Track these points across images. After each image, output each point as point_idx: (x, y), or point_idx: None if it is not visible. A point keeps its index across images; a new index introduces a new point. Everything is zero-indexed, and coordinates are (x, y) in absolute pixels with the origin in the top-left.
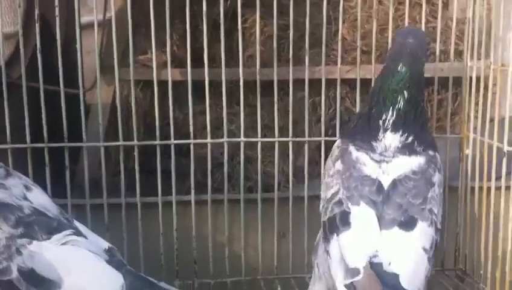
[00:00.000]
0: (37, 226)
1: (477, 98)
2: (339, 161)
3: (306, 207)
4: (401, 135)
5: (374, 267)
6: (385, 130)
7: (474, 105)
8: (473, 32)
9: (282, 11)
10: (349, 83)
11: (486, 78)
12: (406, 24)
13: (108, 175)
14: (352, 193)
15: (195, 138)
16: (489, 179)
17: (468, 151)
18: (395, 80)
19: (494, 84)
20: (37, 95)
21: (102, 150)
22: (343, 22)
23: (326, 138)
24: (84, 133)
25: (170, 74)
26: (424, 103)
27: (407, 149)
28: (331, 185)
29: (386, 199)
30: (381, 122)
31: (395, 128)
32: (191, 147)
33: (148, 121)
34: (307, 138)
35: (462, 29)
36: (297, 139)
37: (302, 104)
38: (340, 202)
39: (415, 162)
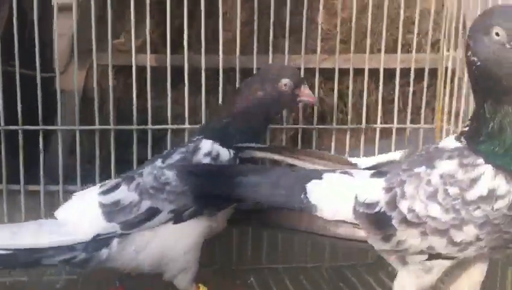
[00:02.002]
0: None
1: (452, 88)
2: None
3: None
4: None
5: None
6: None
7: (449, 96)
8: (450, 22)
9: None
10: (323, 73)
11: (462, 69)
12: (385, 13)
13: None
14: None
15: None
16: None
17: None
18: None
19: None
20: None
21: (77, 134)
22: (321, 10)
23: (303, 126)
24: (59, 117)
25: (149, 60)
26: None
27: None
28: None
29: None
30: None
31: None
32: (168, 133)
33: (121, 107)
34: (285, 126)
35: (437, 20)
36: (274, 126)
37: None
38: None
39: (450, 141)
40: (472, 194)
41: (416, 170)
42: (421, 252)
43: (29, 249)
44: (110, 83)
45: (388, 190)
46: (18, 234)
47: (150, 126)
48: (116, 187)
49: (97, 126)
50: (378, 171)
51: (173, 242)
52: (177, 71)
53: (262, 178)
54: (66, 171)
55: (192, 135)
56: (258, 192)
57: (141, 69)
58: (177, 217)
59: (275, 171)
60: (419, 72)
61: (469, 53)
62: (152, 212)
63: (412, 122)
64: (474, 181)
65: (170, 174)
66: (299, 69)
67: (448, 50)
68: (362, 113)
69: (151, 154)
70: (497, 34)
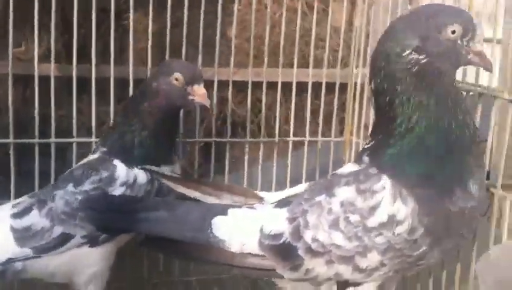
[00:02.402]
0: None
1: (361, 103)
2: None
3: None
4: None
5: None
6: None
7: (358, 110)
8: (359, 40)
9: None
10: (235, 86)
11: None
12: (297, 30)
13: None
14: None
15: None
16: None
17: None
18: None
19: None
20: None
21: None
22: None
23: (216, 139)
24: None
25: (53, 69)
26: None
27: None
28: None
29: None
30: None
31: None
32: (74, 145)
33: (19, 119)
34: (197, 139)
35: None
36: (188, 140)
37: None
38: None
39: (350, 167)
40: (372, 221)
41: (317, 198)
42: (329, 279)
43: None
44: (10, 93)
45: (291, 220)
46: None
47: (53, 139)
48: (28, 210)
49: None
50: (280, 201)
51: (86, 263)
52: (81, 82)
53: (169, 214)
54: None
55: (94, 150)
56: (166, 228)
57: (43, 79)
58: (93, 241)
59: (181, 206)
60: (331, 87)
61: (406, 53)
62: (64, 238)
63: (323, 135)
64: (373, 208)
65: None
66: (212, 81)
67: (357, 66)
68: (275, 127)
69: (55, 167)
70: (453, 32)
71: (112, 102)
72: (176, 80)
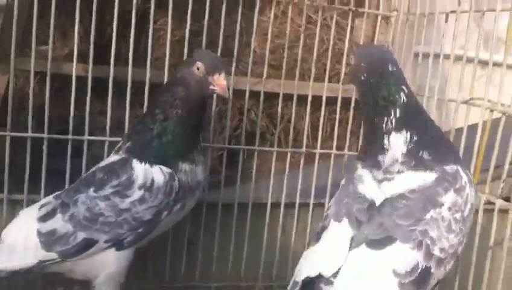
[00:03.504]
0: None
1: None
2: (345, 177)
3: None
4: (407, 137)
5: (310, 284)
6: (389, 134)
7: None
8: None
9: (194, 17)
10: (255, 96)
11: None
12: (316, 43)
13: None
14: (340, 209)
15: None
16: None
17: None
18: (391, 78)
19: None
20: None
21: None
22: (255, 35)
23: (229, 146)
24: None
25: (75, 68)
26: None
27: (414, 159)
28: (332, 200)
29: (370, 218)
30: (383, 125)
31: (398, 127)
32: (85, 144)
33: (41, 116)
34: (210, 144)
35: None
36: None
37: (208, 112)
38: (326, 217)
39: (420, 178)
40: (466, 211)
41: (427, 215)
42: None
43: None
44: (31, 89)
45: (418, 247)
46: None
47: (86, 137)
48: (52, 214)
49: (8, 133)
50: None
51: (106, 264)
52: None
53: None
54: None
55: (119, 147)
56: None
57: (68, 78)
58: (119, 245)
59: None
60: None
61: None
62: (88, 243)
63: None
64: (466, 201)
65: (103, 205)
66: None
67: None
68: (289, 137)
69: (83, 164)
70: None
71: (128, 104)
72: (198, 69)
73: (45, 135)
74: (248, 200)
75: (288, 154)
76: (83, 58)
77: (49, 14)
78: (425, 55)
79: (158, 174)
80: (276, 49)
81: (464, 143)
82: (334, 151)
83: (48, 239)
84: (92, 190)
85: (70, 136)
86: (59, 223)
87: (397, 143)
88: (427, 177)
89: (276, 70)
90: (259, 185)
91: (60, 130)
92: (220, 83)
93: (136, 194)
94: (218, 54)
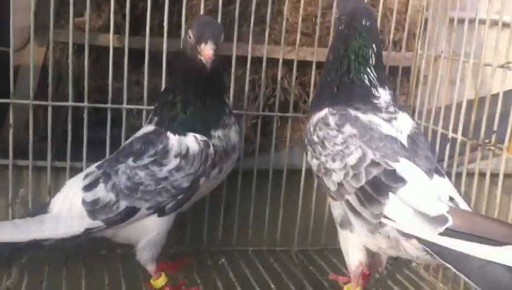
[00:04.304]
0: None
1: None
2: (348, 126)
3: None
4: (387, 90)
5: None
6: (376, 87)
7: (420, 94)
8: (425, 22)
9: None
10: (287, 64)
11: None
12: None
13: (37, 139)
14: (386, 152)
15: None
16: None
17: None
18: (363, 36)
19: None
20: None
21: (31, 109)
22: (287, 3)
23: (263, 113)
24: (11, 90)
25: (112, 40)
26: None
27: (397, 104)
28: (349, 152)
29: (413, 153)
30: (367, 81)
31: (381, 83)
32: (123, 112)
33: (78, 89)
34: (244, 112)
35: (399, 19)
36: (236, 111)
37: (242, 81)
38: (375, 163)
39: (409, 117)
40: None
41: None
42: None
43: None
44: (70, 61)
45: None
46: (25, 229)
47: (125, 105)
48: (95, 184)
49: (50, 102)
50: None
51: (148, 230)
52: (140, 54)
53: None
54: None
55: (150, 118)
56: None
57: (103, 49)
58: (161, 211)
59: None
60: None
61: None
62: (130, 211)
63: None
64: None
65: (142, 174)
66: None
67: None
68: None
69: (110, 135)
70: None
71: (164, 73)
72: (190, 37)
73: (85, 104)
74: (283, 167)
75: None
76: (117, 29)
77: None
78: (460, 21)
79: (192, 142)
80: (308, 16)
81: (500, 109)
82: None
83: (93, 208)
84: (131, 159)
85: (109, 105)
86: (102, 192)
87: (383, 93)
88: (408, 116)
89: (309, 38)
90: (293, 152)
91: (98, 100)
92: (204, 52)
93: (173, 162)
94: (251, 22)
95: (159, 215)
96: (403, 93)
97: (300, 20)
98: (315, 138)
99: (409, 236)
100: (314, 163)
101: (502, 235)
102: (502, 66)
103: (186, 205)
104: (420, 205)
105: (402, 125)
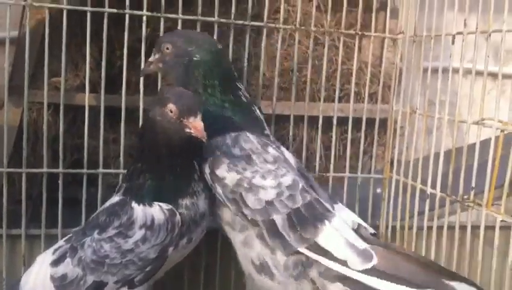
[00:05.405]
0: None
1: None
2: (272, 149)
3: None
4: None
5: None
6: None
7: (398, 146)
8: (400, 73)
9: None
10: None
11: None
12: (324, 64)
13: (11, 203)
14: (306, 180)
15: (107, 166)
16: (410, 218)
17: (380, 190)
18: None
19: (402, 127)
20: None
21: (4, 177)
22: (264, 58)
23: None
24: None
25: (87, 99)
26: None
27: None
28: (281, 173)
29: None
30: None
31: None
32: (99, 177)
33: (55, 147)
34: None
35: (374, 72)
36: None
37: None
38: (305, 190)
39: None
40: None
41: None
42: None
43: None
44: (45, 122)
45: None
46: None
47: (101, 170)
48: (63, 258)
49: (24, 169)
50: None
51: None
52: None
53: None
54: None
55: (119, 186)
56: None
57: (80, 108)
58: (130, 284)
59: None
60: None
61: None
62: (98, 285)
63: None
64: None
65: (108, 247)
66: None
67: (397, 103)
68: (302, 161)
69: (86, 197)
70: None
71: None
72: (171, 111)
73: (61, 170)
74: None
75: None
76: (94, 88)
77: (59, 47)
78: (434, 70)
79: (158, 212)
80: (285, 71)
81: (477, 160)
82: (347, 174)
83: (61, 283)
84: (96, 232)
85: (85, 170)
86: (69, 267)
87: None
88: None
89: (286, 92)
90: None
91: (75, 159)
92: (196, 126)
93: (138, 234)
94: None
95: (129, 288)
96: (381, 144)
97: (276, 75)
98: (237, 152)
99: (334, 276)
100: (231, 177)
101: (422, 280)
102: (476, 123)
103: (159, 273)
104: (350, 237)
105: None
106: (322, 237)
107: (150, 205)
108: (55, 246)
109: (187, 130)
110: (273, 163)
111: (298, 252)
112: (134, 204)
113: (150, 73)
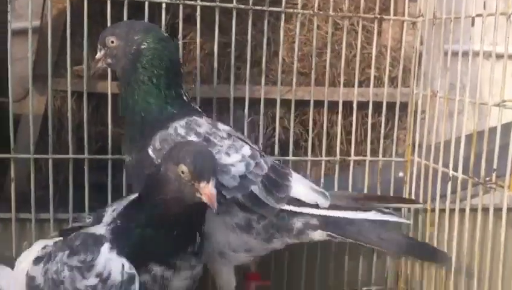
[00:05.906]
0: None
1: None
2: (220, 124)
3: None
4: None
5: None
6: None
7: (419, 130)
8: (420, 57)
9: (221, 29)
10: (286, 104)
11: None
12: (343, 49)
13: (39, 189)
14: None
15: None
16: (433, 201)
17: (402, 174)
18: None
19: (423, 110)
20: None
21: (32, 163)
22: (283, 44)
23: (280, 157)
24: (12, 145)
25: (110, 86)
26: None
27: None
28: (239, 145)
29: None
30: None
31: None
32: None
33: (80, 134)
34: None
35: (394, 56)
36: None
37: (241, 122)
38: (260, 154)
39: None
40: None
41: None
42: None
43: None
44: (69, 110)
45: None
46: None
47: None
48: (40, 260)
49: (50, 155)
50: None
51: None
52: None
53: None
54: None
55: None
56: None
57: (103, 96)
58: None
59: None
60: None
61: None
62: None
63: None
64: None
65: (67, 275)
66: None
67: (417, 86)
68: (322, 144)
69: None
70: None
71: None
72: (182, 172)
73: (86, 156)
74: None
75: (323, 162)
76: (115, 76)
77: (81, 35)
78: (455, 53)
79: (117, 271)
80: (305, 56)
81: (499, 143)
82: (368, 158)
83: (29, 284)
84: (66, 253)
85: (109, 156)
86: (39, 273)
87: None
88: None
89: (306, 77)
90: None
91: (100, 147)
92: (206, 192)
93: (91, 280)
94: (247, 64)
95: None
96: (403, 128)
97: (296, 60)
98: (194, 138)
99: (315, 225)
100: None
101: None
102: (497, 105)
103: None
104: (309, 183)
105: None
106: (293, 191)
107: (119, 255)
108: (48, 241)
109: (197, 194)
110: (229, 138)
111: (282, 210)
112: (104, 247)
113: (100, 72)
